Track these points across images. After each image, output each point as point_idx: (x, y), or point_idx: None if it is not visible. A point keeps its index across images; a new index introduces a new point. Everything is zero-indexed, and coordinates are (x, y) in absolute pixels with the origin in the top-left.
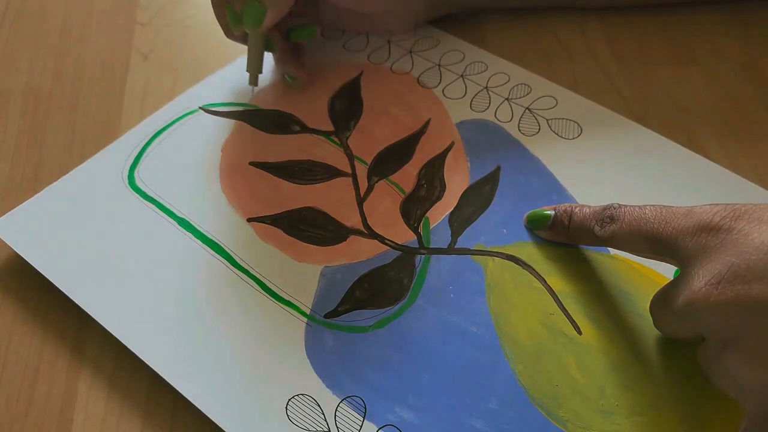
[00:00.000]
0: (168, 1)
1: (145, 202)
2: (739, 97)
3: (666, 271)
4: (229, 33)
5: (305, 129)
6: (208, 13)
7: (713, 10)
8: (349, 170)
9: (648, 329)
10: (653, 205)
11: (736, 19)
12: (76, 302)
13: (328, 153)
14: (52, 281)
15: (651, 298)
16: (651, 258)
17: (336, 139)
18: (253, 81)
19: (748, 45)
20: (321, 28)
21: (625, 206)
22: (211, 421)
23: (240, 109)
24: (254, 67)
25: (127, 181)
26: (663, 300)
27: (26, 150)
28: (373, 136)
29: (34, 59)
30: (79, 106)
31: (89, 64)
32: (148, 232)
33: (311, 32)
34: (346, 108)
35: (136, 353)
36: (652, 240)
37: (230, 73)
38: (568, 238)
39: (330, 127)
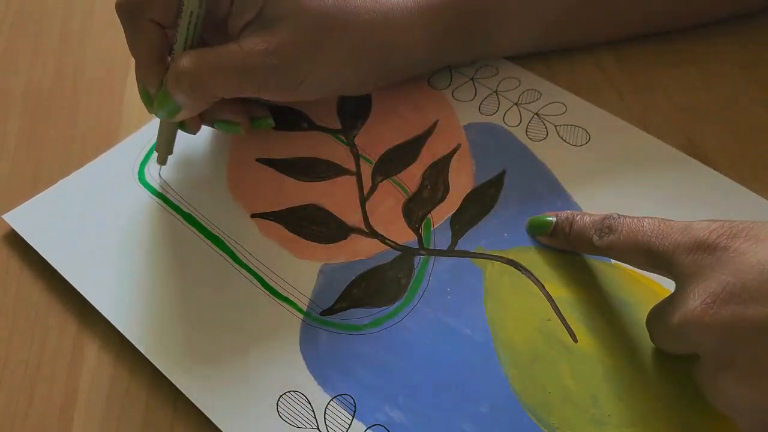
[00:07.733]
0: None
1: (153, 197)
2: (739, 97)
3: (667, 283)
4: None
5: (313, 126)
6: None
7: None
8: (353, 169)
9: (644, 340)
10: (651, 218)
11: (736, 20)
12: (82, 293)
13: (335, 151)
14: (60, 272)
15: (650, 309)
16: (647, 270)
17: (343, 138)
18: (162, 161)
19: (748, 45)
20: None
21: (624, 217)
22: (212, 421)
23: None
24: (164, 150)
25: (137, 177)
26: (659, 315)
27: (26, 150)
28: (380, 135)
29: (35, 59)
30: (79, 106)
31: (90, 63)
32: (155, 227)
33: (265, 123)
34: (355, 107)
35: (136, 346)
36: (648, 253)
37: None
38: (568, 246)
39: (338, 126)
